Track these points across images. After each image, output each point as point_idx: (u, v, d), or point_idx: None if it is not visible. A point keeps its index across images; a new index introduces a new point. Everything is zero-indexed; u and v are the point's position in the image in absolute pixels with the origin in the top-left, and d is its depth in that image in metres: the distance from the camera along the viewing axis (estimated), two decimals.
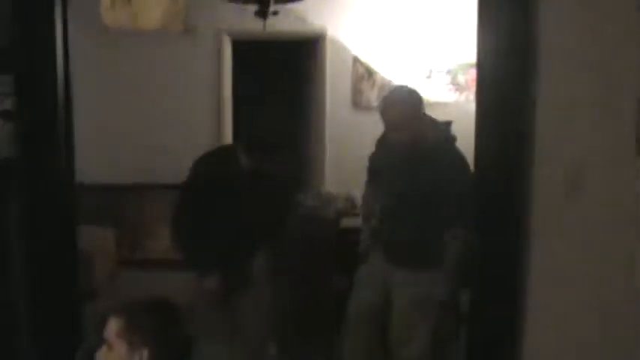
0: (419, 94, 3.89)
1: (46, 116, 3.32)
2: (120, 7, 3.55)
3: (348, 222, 5.62)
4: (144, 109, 7.30)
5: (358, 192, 5.75)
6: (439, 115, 6.84)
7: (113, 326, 2.38)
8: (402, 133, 3.78)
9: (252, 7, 5.61)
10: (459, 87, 7.25)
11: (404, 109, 3.74)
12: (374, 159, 4.23)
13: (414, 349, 3.97)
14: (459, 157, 3.88)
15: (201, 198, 3.81)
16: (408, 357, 3.99)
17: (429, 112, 6.79)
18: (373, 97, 7.39)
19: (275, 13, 5.70)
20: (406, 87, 3.92)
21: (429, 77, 7.25)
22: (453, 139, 3.94)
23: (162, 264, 6.96)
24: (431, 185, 3.76)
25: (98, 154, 7.03)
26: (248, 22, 6.36)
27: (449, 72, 7.25)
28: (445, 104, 7.23)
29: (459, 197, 3.74)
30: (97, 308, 2.78)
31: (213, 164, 3.95)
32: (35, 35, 3.25)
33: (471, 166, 3.40)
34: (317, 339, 4.89)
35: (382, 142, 4.08)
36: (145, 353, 2.34)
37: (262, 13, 5.59)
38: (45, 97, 3.31)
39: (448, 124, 4.02)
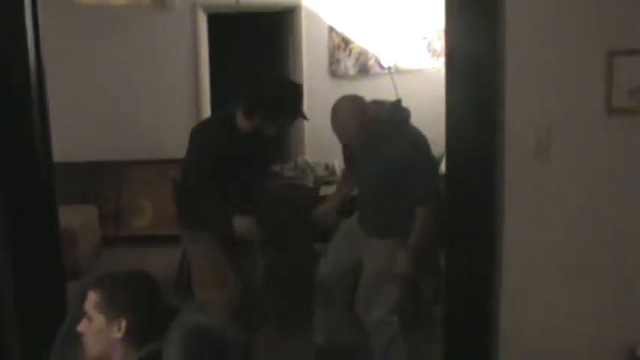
0: (360, 100, 3.95)
1: (19, 96, 3.32)
2: None
3: (327, 190, 5.65)
4: (120, 86, 7.29)
5: (337, 160, 5.81)
6: (416, 81, 6.95)
7: (91, 299, 2.42)
8: (356, 141, 3.94)
9: None
10: (434, 52, 7.27)
11: (349, 126, 3.86)
12: (344, 151, 4.39)
13: (375, 316, 4.05)
14: (412, 133, 3.99)
15: (208, 161, 3.88)
16: (371, 323, 4.09)
17: (406, 79, 6.96)
18: (350, 66, 7.42)
19: None
20: (346, 99, 3.97)
21: (404, 44, 7.26)
22: (405, 116, 4.03)
23: (146, 240, 7.02)
24: (392, 165, 3.88)
25: (79, 133, 7.05)
26: None
27: (425, 38, 7.27)
28: (421, 71, 7.27)
29: (420, 170, 3.90)
30: None
31: (213, 129, 4.00)
32: (4, 13, 3.25)
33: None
34: (298, 302, 4.97)
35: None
36: (123, 324, 2.38)
37: None
38: (17, 77, 3.31)
39: (397, 103, 4.10)
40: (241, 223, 3.92)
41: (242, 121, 3.94)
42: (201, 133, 4.03)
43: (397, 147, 3.89)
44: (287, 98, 3.97)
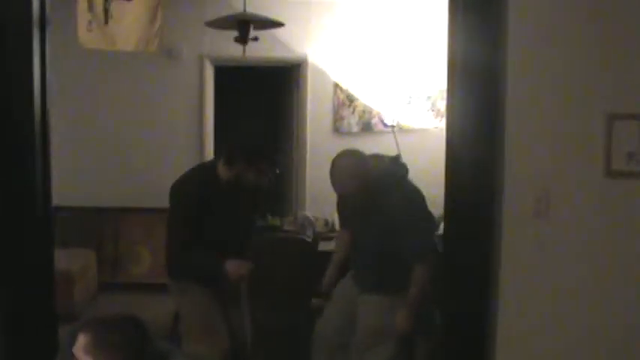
0: (359, 155, 3.98)
1: (22, 138, 3.34)
2: (97, 29, 3.58)
3: (326, 245, 5.64)
4: (125, 133, 7.33)
5: (337, 216, 5.81)
6: (419, 141, 6.97)
7: (81, 342, 2.41)
8: (354, 195, 3.94)
9: (233, 33, 5.67)
10: (438, 113, 7.31)
11: (348, 180, 3.88)
12: (339, 206, 4.39)
13: None
14: (410, 189, 4.02)
15: (189, 218, 3.93)
16: None
17: (409, 138, 6.99)
18: (354, 123, 7.46)
19: (255, 39, 5.75)
20: (346, 153, 4.00)
21: (409, 103, 7.31)
22: (403, 172, 4.05)
23: (143, 287, 6.97)
24: (389, 220, 3.88)
25: (80, 177, 7.06)
26: (230, 47, 6.42)
27: (429, 98, 7.32)
28: (425, 130, 7.30)
29: (418, 227, 3.90)
30: None
31: (192, 184, 4.04)
32: (12, 56, 3.28)
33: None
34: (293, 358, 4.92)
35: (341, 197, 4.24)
36: None
37: (242, 40, 5.64)
38: (21, 118, 3.33)
39: (396, 158, 4.13)
40: (234, 267, 3.94)
41: (223, 170, 4.02)
42: (181, 187, 4.05)
43: (395, 203, 3.89)
44: (262, 146, 4.09)
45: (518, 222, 3.19)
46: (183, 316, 4.22)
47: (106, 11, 3.72)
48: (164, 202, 4.18)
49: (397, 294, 3.92)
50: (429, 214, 3.99)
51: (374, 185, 3.88)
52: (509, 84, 3.14)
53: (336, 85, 7.46)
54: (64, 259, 4.28)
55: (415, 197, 3.97)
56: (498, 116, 3.16)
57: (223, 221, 4.00)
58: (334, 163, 3.93)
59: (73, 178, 6.72)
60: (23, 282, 3.48)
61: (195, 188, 3.99)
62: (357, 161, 3.93)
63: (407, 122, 7.36)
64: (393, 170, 4.02)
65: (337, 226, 6.01)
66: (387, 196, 3.90)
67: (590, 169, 3.11)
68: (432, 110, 7.34)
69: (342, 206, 4.35)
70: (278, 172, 4.17)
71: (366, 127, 7.48)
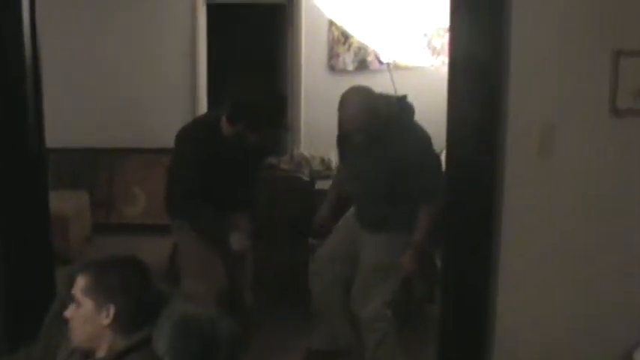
0: (371, 92, 3.91)
1: (14, 79, 3.28)
2: None
3: (323, 184, 5.61)
4: (118, 74, 7.22)
5: (333, 154, 5.76)
6: (414, 79, 6.89)
7: (80, 283, 2.37)
8: (362, 133, 3.89)
9: None
10: (434, 51, 7.22)
11: (359, 118, 3.83)
12: (340, 141, 4.32)
13: (370, 310, 4.04)
14: (418, 130, 3.98)
15: (192, 168, 3.90)
16: (365, 317, 4.08)
17: (405, 76, 6.91)
18: (349, 61, 7.36)
19: None
20: (358, 90, 3.93)
21: (404, 41, 7.20)
22: (410, 112, 4.00)
23: (138, 228, 6.95)
24: (396, 161, 3.85)
25: (73, 119, 6.97)
26: None
27: (425, 36, 7.21)
28: (420, 68, 7.21)
29: (426, 169, 3.89)
30: None
31: (197, 135, 3.98)
32: None
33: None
34: (292, 296, 4.92)
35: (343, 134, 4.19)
36: (112, 309, 2.33)
37: None
38: (12, 60, 3.27)
39: (403, 98, 4.06)
40: (237, 242, 3.99)
41: (226, 127, 3.93)
42: (186, 137, 4.01)
43: (403, 144, 3.85)
44: (269, 110, 3.90)
45: (521, 161, 3.15)
46: (181, 253, 4.24)
47: None
48: (158, 142, 4.15)
49: (401, 233, 3.91)
50: (437, 156, 3.97)
51: (383, 123, 3.83)
52: (513, 20, 3.07)
53: (331, 22, 7.33)
54: (57, 201, 4.24)
55: (423, 140, 3.94)
56: (502, 53, 3.10)
57: (226, 175, 3.97)
58: (344, 99, 3.88)
59: (66, 120, 6.62)
60: (18, 225, 3.46)
61: (200, 139, 3.95)
62: (367, 98, 3.89)
63: (403, 60, 7.26)
64: (401, 111, 3.98)
65: (334, 165, 5.98)
66: (394, 136, 3.86)
67: (596, 108, 3.07)
68: (429, 48, 7.23)
69: (344, 142, 4.28)
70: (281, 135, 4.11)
71: (362, 65, 7.37)
